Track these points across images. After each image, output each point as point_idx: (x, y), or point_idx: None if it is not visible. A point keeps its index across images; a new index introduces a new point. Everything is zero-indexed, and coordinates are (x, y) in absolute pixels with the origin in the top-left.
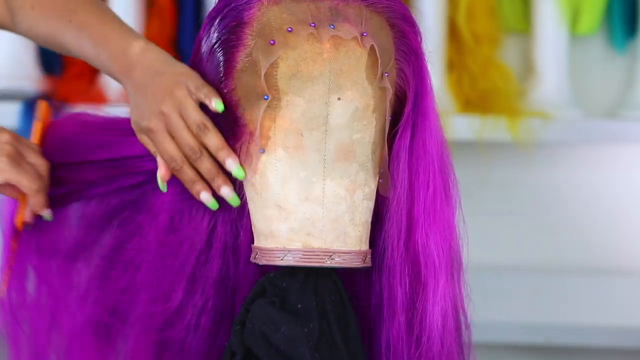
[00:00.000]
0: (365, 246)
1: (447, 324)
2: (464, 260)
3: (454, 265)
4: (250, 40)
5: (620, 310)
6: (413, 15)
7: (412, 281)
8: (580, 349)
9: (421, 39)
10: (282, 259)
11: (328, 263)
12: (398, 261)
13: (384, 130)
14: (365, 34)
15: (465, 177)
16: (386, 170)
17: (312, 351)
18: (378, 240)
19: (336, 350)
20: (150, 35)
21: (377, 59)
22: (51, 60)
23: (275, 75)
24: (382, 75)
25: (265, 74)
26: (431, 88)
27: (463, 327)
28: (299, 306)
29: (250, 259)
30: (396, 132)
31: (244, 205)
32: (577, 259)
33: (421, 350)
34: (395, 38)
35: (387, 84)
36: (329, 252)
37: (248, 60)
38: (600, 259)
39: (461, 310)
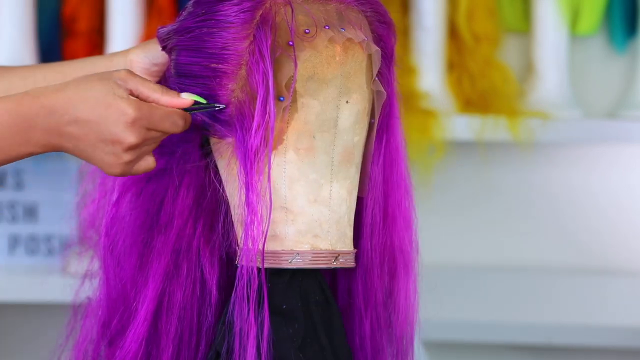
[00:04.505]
0: (354, 246)
1: (415, 314)
2: (466, 260)
3: (417, 259)
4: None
5: (620, 310)
6: (391, 18)
7: (390, 275)
8: (580, 349)
9: (395, 41)
10: (290, 262)
11: (334, 264)
12: (377, 259)
13: (369, 132)
14: (366, 39)
15: (465, 177)
16: (367, 171)
17: (297, 352)
18: (355, 239)
19: (321, 351)
20: (151, 36)
21: (371, 63)
22: (51, 59)
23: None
24: (375, 78)
25: (283, 76)
26: (398, 90)
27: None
28: (284, 306)
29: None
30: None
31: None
32: (577, 259)
33: (398, 347)
34: (376, 41)
35: (381, 87)
36: (335, 253)
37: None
38: (600, 259)
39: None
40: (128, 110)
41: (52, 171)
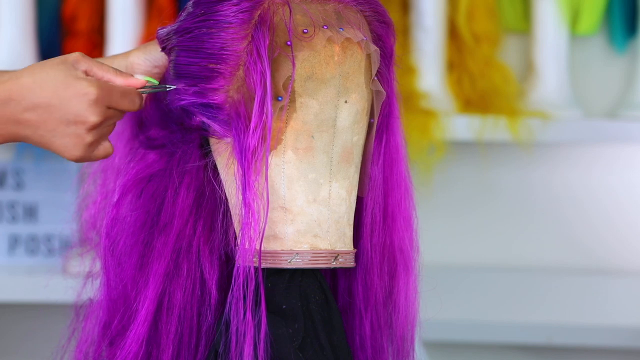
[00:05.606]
0: (354, 246)
1: (415, 314)
2: (466, 260)
3: (417, 259)
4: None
5: (620, 310)
6: (391, 18)
7: (390, 275)
8: (580, 349)
9: (394, 40)
10: (289, 262)
11: (334, 264)
12: (377, 258)
13: (368, 131)
14: (365, 38)
15: (465, 177)
16: (367, 171)
17: (297, 351)
18: (355, 239)
19: (321, 351)
20: (151, 36)
21: (370, 63)
22: (51, 57)
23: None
24: (374, 78)
25: (281, 76)
26: (397, 90)
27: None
28: (284, 306)
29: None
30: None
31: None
32: (577, 259)
33: (398, 347)
34: (375, 40)
35: (380, 87)
36: (334, 253)
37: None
38: (600, 259)
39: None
40: (90, 89)
41: (52, 171)
